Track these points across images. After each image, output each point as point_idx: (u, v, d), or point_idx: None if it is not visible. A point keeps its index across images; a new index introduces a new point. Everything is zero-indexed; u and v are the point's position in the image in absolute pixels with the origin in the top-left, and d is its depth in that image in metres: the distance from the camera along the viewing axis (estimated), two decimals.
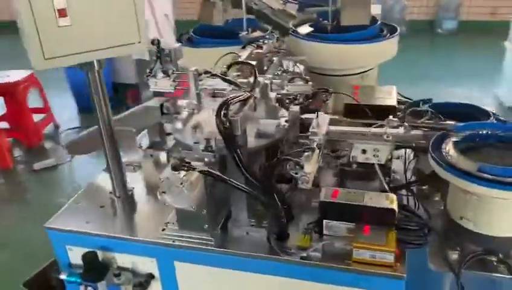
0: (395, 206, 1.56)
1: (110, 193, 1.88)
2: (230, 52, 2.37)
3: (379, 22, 2.82)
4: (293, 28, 2.89)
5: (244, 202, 1.71)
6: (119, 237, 1.74)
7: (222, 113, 1.52)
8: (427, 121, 1.79)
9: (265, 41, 2.56)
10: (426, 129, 1.74)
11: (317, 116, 1.79)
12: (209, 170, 1.47)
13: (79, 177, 4.69)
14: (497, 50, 6.20)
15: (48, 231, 1.80)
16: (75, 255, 1.80)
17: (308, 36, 2.76)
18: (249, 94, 1.67)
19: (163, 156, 2.25)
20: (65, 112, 6.11)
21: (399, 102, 2.33)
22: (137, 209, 1.89)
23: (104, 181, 2.10)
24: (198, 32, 3.00)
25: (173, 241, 1.66)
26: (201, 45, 2.88)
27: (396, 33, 2.74)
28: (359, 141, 1.75)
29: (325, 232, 1.63)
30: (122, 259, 1.76)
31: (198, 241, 1.64)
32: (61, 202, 2.10)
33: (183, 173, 1.46)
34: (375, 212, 1.56)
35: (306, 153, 1.57)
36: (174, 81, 2.03)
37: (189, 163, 1.48)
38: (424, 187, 1.89)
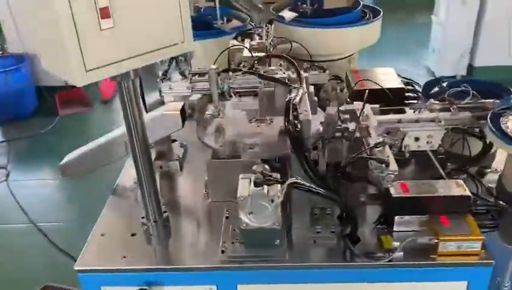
0: (468, 192, 1.52)
1: (143, 217, 1.62)
2: (234, 46, 2.18)
3: (361, 4, 2.78)
4: (274, 13, 2.75)
5: (308, 209, 1.57)
6: (171, 269, 1.51)
7: (292, 115, 1.36)
8: (469, 101, 1.77)
9: (262, 30, 2.40)
10: (472, 110, 1.72)
11: (363, 106, 1.70)
12: (299, 181, 1.30)
13: (20, 198, 4.16)
14: (416, 24, 6.57)
15: (80, 275, 1.51)
16: None
17: (295, 22, 2.64)
18: (305, 91, 1.53)
19: (173, 166, 2.02)
20: None
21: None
22: (175, 232, 1.66)
23: (119, 205, 1.84)
24: None
25: (241, 263, 1.47)
26: None
27: (381, 15, 2.71)
28: (412, 128, 1.69)
29: (395, 228, 1.56)
30: None
31: (269, 258, 1.47)
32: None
33: (266, 188, 1.29)
34: (450, 201, 1.52)
35: (378, 149, 1.47)
36: (191, 82, 1.80)
37: (271, 176, 1.30)
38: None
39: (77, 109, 5.58)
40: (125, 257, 1.55)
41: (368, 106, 1.72)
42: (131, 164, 1.90)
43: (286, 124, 1.37)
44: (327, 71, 2.07)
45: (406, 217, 1.54)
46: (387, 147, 1.47)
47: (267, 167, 1.45)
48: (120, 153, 1.85)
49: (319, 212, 1.64)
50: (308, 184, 1.32)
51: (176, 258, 1.56)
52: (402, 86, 2.25)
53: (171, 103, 1.83)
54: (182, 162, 2.04)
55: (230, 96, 1.76)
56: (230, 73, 1.74)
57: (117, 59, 1.23)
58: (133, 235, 1.64)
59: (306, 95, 1.54)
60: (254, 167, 1.45)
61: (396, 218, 1.54)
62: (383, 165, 1.37)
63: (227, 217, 1.66)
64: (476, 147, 1.88)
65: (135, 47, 1.26)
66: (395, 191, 1.52)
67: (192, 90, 1.80)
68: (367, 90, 1.71)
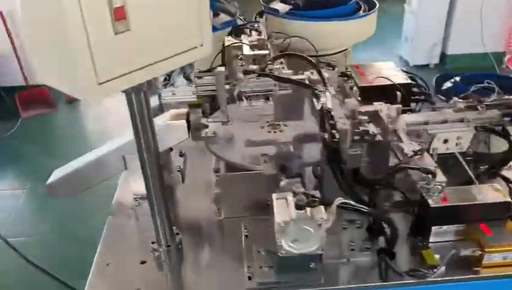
0: (509, 198, 1.43)
1: (153, 242, 1.44)
2: (234, 43, 2.00)
3: None
4: (265, 5, 2.58)
5: (335, 222, 1.43)
6: None
7: (328, 123, 1.21)
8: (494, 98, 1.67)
9: (256, 25, 2.23)
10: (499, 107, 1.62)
11: (389, 107, 1.57)
12: (349, 201, 1.15)
13: None
14: (388, 12, 6.52)
15: None
16: None
17: (290, 15, 2.48)
18: (333, 95, 1.38)
19: (175, 178, 1.83)
20: None
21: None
22: (189, 257, 1.48)
23: (120, 227, 1.64)
24: None
25: None
26: None
27: (377, 7, 2.60)
28: (440, 130, 1.57)
29: (432, 239, 1.45)
30: None
31: (305, 283, 1.32)
32: None
33: (308, 210, 1.13)
34: (490, 209, 1.42)
35: (417, 156, 1.34)
36: (196, 86, 1.62)
37: (313, 195, 1.15)
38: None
39: (40, 110, 5.20)
40: (139, 289, 1.37)
41: (393, 107, 1.58)
42: (128, 178, 1.73)
43: (322, 133, 1.21)
44: (336, 68, 1.93)
45: (444, 227, 1.43)
46: (426, 154, 1.35)
47: (297, 181, 1.30)
48: (118, 169, 1.65)
49: (347, 225, 1.51)
50: (358, 205, 1.17)
51: (198, 288, 1.39)
52: (409, 81, 2.14)
53: (173, 110, 1.64)
54: (183, 173, 1.85)
55: (241, 100, 1.60)
56: (241, 75, 1.57)
57: (132, 68, 1.03)
58: (142, 263, 1.46)
59: (335, 99, 1.40)
60: (283, 184, 1.30)
61: (434, 228, 1.43)
62: (429, 175, 1.25)
63: (246, 236, 1.50)
64: (495, 145, 1.79)
65: (152, 54, 1.07)
66: (433, 200, 1.41)
67: (197, 95, 1.63)
68: (398, 90, 1.57)
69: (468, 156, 1.63)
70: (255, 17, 2.57)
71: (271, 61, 1.62)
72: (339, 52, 2.57)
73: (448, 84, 1.95)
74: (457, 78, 1.93)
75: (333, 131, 1.20)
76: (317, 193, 1.16)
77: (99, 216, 3.38)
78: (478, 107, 1.60)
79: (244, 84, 1.55)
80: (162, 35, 1.07)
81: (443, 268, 1.36)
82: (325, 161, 1.26)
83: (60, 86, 1.03)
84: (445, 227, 1.44)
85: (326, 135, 1.21)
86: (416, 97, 2.11)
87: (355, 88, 1.99)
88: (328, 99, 1.32)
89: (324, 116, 1.23)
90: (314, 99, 1.39)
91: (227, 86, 1.70)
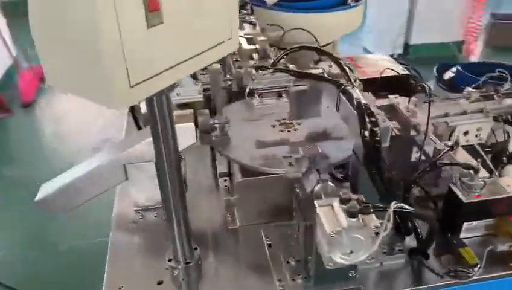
0: None
1: (170, 260, 1.30)
2: None
3: None
4: None
5: None
6: None
7: (370, 121, 1.12)
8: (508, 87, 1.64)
9: (248, 18, 2.11)
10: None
11: (409, 100, 1.50)
12: (404, 205, 1.06)
13: None
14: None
15: None
16: None
17: (278, 6, 2.37)
18: (361, 90, 1.29)
19: None
20: None
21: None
22: (209, 273, 1.35)
23: (126, 244, 1.48)
24: None
25: None
26: None
27: None
28: (460, 122, 1.52)
29: (462, 236, 1.40)
30: None
31: None
32: None
33: (360, 217, 1.03)
34: None
35: (451, 152, 1.28)
36: (202, 85, 1.49)
37: (364, 201, 1.05)
38: None
39: None
40: None
41: (413, 100, 1.52)
42: (127, 189, 1.58)
43: (362, 133, 1.12)
44: (341, 61, 1.84)
45: (474, 223, 1.39)
46: (460, 149, 1.29)
47: (331, 185, 1.20)
48: (118, 179, 1.49)
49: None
50: (413, 210, 1.08)
51: None
52: (407, 72, 2.10)
53: (177, 111, 1.50)
54: (185, 179, 1.71)
55: (253, 97, 1.48)
56: (254, 71, 1.45)
57: (164, 67, 0.89)
58: (159, 283, 1.31)
59: (368, 94, 1.31)
60: (318, 188, 1.19)
61: (465, 225, 1.38)
62: (471, 171, 1.18)
63: (269, 245, 1.39)
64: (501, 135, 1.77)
65: (185, 50, 0.93)
66: (465, 195, 1.35)
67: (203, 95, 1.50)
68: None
69: (486, 147, 1.59)
70: (239, 10, 2.43)
71: (284, 55, 1.50)
72: (327, 44, 2.49)
73: (450, 74, 1.91)
74: (459, 68, 1.89)
75: (375, 129, 1.11)
76: (361, 197, 1.06)
77: (78, 225, 3.15)
78: (495, 96, 1.57)
79: (257, 81, 1.43)
80: (194, 28, 0.94)
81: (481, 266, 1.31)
82: (363, 161, 1.17)
83: (79, 92, 0.87)
84: (475, 222, 1.39)
85: (366, 133, 1.11)
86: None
87: (358, 81, 1.91)
88: (360, 95, 1.22)
89: (364, 113, 1.13)
90: (341, 95, 1.29)
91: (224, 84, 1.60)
